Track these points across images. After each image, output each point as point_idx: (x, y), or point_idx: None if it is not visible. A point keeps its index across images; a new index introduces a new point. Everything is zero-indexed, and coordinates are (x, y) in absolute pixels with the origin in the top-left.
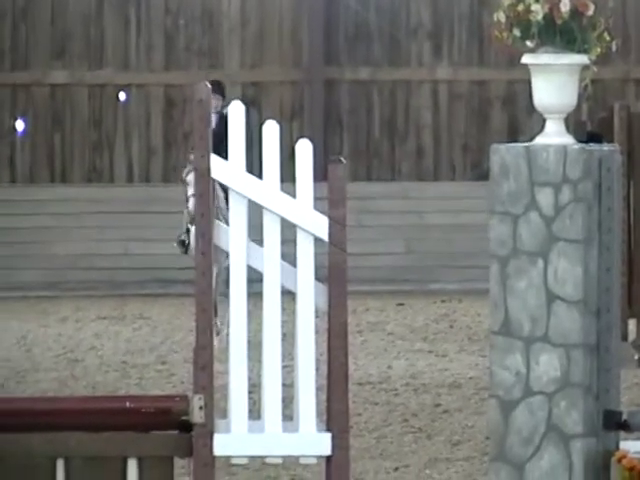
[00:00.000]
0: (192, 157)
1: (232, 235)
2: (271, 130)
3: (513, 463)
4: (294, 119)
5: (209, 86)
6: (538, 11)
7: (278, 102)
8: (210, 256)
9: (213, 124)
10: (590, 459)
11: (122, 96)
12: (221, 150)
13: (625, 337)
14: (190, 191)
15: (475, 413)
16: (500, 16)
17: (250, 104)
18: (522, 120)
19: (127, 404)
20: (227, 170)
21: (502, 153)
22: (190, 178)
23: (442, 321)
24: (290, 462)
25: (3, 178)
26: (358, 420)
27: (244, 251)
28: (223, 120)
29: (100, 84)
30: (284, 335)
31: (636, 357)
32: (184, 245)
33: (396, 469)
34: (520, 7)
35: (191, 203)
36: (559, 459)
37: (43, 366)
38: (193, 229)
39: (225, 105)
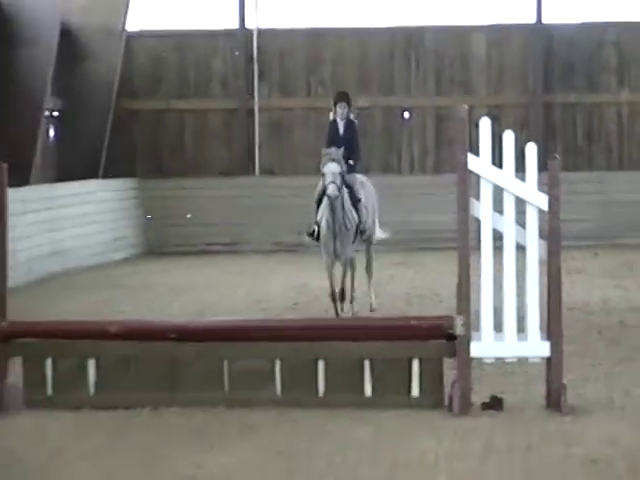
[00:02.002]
0: (325, 150)
1: (482, 207)
2: (509, 137)
3: None
4: (523, 130)
5: (466, 107)
6: None
7: (512, 118)
8: (468, 224)
9: (341, 130)
10: None
11: (406, 114)
12: (351, 152)
13: None
14: (328, 179)
15: None
16: None
17: (493, 119)
18: None
19: (412, 322)
20: (479, 163)
21: None
22: (326, 170)
23: (624, 266)
24: (522, 362)
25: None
26: (568, 333)
27: (491, 218)
28: (349, 125)
29: (390, 106)
30: (518, 275)
31: None
32: (313, 235)
33: (594, 365)
34: None
35: (330, 189)
36: None
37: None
38: (325, 213)
39: (350, 112)
